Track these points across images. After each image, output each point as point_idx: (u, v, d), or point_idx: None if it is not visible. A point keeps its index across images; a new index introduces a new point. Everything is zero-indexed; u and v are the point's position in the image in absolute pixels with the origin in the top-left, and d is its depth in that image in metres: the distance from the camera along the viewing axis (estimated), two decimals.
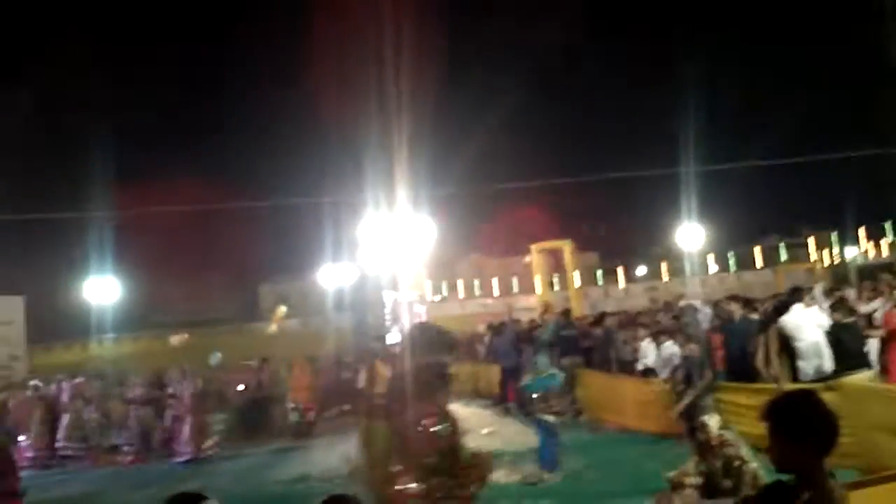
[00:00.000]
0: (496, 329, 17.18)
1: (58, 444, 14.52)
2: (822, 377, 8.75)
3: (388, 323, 24.26)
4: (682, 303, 15.71)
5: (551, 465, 9.13)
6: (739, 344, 10.54)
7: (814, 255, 43.74)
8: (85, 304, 29.53)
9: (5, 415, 14.23)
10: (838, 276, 26.28)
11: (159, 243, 48.85)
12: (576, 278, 28.00)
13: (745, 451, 6.84)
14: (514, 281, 46.40)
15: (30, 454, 14.38)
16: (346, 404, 16.43)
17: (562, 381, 10.05)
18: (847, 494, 2.61)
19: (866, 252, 41.96)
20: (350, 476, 6.03)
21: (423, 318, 22.48)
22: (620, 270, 50.38)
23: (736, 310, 11.22)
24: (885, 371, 9.74)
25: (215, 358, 21.28)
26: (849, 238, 42.45)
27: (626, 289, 45.98)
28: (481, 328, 23.73)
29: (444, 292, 47.42)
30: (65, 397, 15.11)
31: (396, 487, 3.15)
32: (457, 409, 8.27)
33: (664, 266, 47.27)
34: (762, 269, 44.75)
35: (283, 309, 50.40)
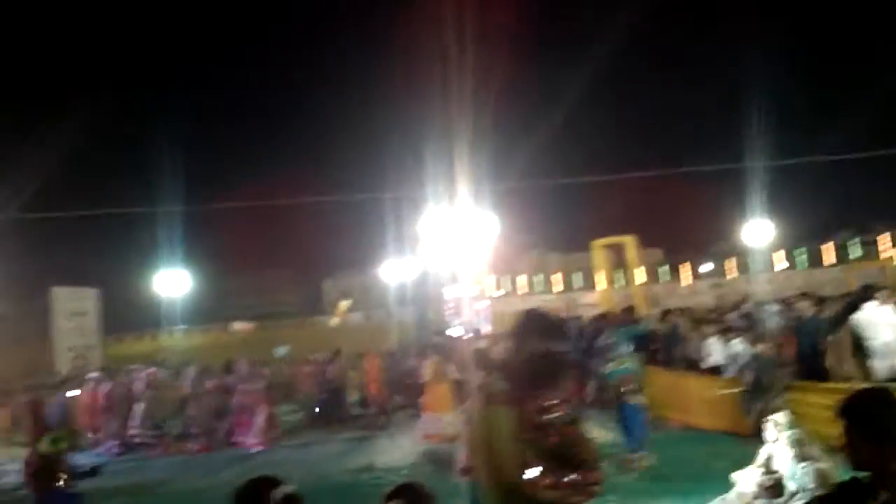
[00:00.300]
0: (509, 331, 17.04)
1: (131, 432, 15.00)
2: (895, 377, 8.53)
3: (449, 317, 24.37)
4: (749, 301, 15.40)
5: (642, 443, 9.20)
6: (810, 343, 10.32)
7: (886, 253, 42.22)
8: (156, 296, 30.40)
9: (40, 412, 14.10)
10: None
11: (228, 238, 50.02)
12: (639, 275, 27.61)
13: (815, 451, 6.71)
14: (576, 277, 46.05)
15: (103, 442, 14.93)
16: (409, 397, 16.63)
17: (639, 370, 10.14)
18: None
19: None
20: (466, 464, 6.14)
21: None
22: (685, 267, 49.50)
23: (806, 308, 10.97)
24: None
25: (282, 351, 21.76)
26: None
27: (690, 286, 45.13)
28: None
29: (506, 288, 47.33)
30: (138, 386, 15.60)
31: (525, 476, 3.10)
32: None
33: (730, 263, 46.29)
34: (832, 266, 43.41)
35: (345, 303, 51.02)
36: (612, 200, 40.36)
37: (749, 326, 12.55)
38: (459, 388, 11.77)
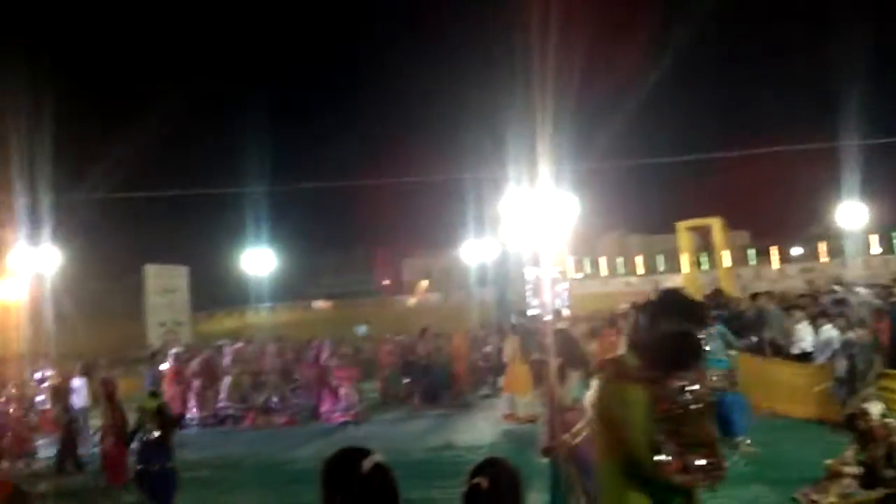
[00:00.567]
0: (641, 307, 16.80)
1: (219, 405, 15.52)
2: None
3: (529, 299, 24.30)
4: (842, 285, 14.83)
5: (743, 429, 9.08)
6: None
7: None
8: (243, 274, 31.26)
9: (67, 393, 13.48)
10: None
11: (312, 218, 51.00)
12: (725, 258, 26.90)
13: None
14: (660, 259, 45.20)
15: (193, 413, 15.48)
16: (492, 377, 16.75)
17: (730, 366, 9.76)
18: None
19: None
20: (548, 444, 6.15)
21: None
22: (774, 250, 47.93)
23: None
24: None
25: (362, 329, 22.13)
26: None
27: (780, 269, 43.74)
28: (624, 306, 23.31)
29: (587, 269, 46.85)
30: (226, 361, 16.10)
31: (657, 458, 3.06)
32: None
33: (822, 246, 44.62)
34: None
35: (424, 283, 51.39)
36: (698, 181, 39.32)
37: (841, 312, 12.09)
38: (540, 369, 11.73)
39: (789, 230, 52.19)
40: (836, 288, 14.55)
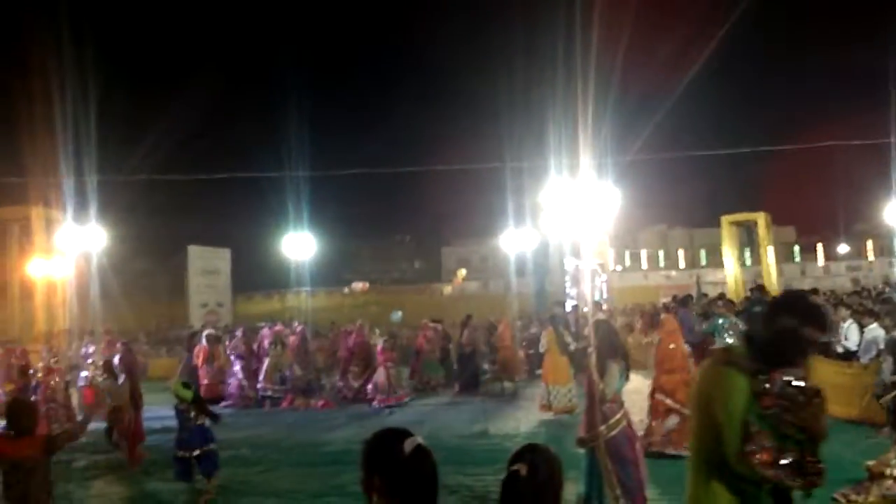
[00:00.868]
0: (682, 301, 16.67)
1: (258, 386, 15.73)
2: None
3: (568, 289, 24.19)
4: (888, 284, 14.51)
5: None
6: None
7: None
8: (283, 258, 31.55)
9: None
10: None
11: (353, 203, 51.27)
12: (769, 254, 26.51)
13: None
14: (702, 253, 44.65)
15: (233, 394, 15.72)
16: (531, 367, 16.78)
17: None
18: None
19: None
20: (584, 435, 6.15)
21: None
22: (820, 247, 47.05)
23: None
24: None
25: (396, 315, 22.26)
26: None
27: (825, 267, 42.92)
28: (664, 300, 23.10)
29: (627, 262, 46.47)
30: (266, 342, 16.30)
31: (749, 448, 2.99)
32: (636, 380, 8.07)
33: (869, 244, 43.68)
34: None
35: (462, 271, 51.40)
36: (743, 175, 38.74)
37: (888, 311, 11.84)
38: (579, 360, 11.71)
39: (836, 227, 51.15)
40: (883, 287, 14.24)
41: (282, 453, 10.61)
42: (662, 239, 52.46)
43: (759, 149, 27.13)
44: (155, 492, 8.72)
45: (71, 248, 23.35)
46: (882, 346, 10.09)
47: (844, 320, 11.75)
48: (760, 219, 25.85)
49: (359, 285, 48.22)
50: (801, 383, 3.03)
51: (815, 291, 15.38)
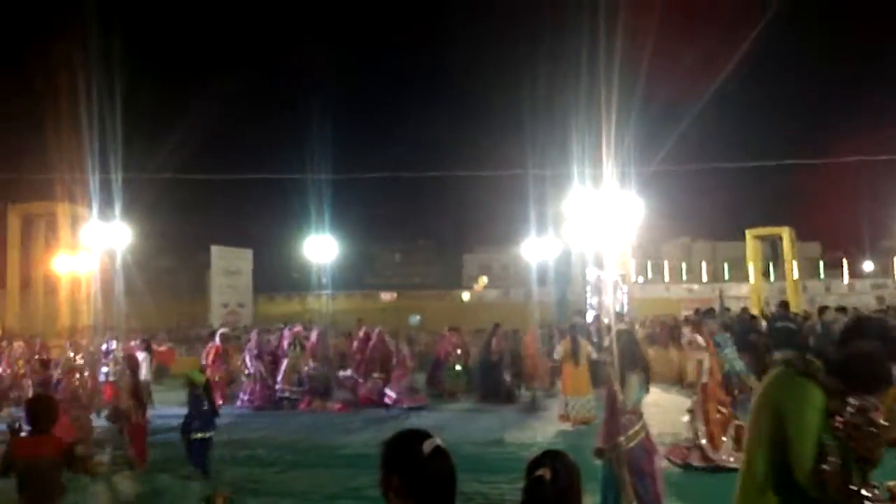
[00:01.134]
0: (704, 314, 16.52)
1: (276, 387, 15.76)
2: None
3: (589, 299, 24.07)
4: None
5: None
6: None
7: None
8: (305, 260, 31.68)
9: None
10: None
11: (374, 208, 51.40)
12: (794, 269, 26.25)
13: None
14: (725, 267, 44.30)
15: (247, 395, 15.75)
16: (551, 376, 16.72)
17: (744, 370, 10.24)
18: None
19: None
20: (601, 445, 6.10)
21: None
22: (845, 263, 46.48)
23: None
24: None
25: (415, 319, 22.25)
26: None
27: (850, 284, 42.37)
28: (686, 313, 22.91)
29: (649, 274, 46.20)
30: (285, 343, 16.33)
31: (823, 468, 2.79)
32: (656, 394, 7.97)
33: (895, 262, 43.12)
34: None
35: (484, 279, 51.36)
36: (768, 189, 38.39)
37: None
38: (598, 370, 11.64)
39: (861, 243, 50.53)
40: None
41: (298, 454, 10.61)
42: (685, 251, 52.11)
43: (785, 162, 26.90)
44: (170, 487, 8.77)
45: (96, 244, 23.57)
46: None
47: None
48: (785, 233, 25.62)
49: (387, 295, 48.35)
50: (872, 413, 2.89)
51: (842, 310, 15.24)
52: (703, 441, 8.91)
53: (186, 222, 37.95)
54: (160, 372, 19.44)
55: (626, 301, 24.41)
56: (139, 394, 10.35)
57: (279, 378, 15.79)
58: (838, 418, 2.83)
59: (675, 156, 24.71)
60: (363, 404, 15.13)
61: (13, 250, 26.53)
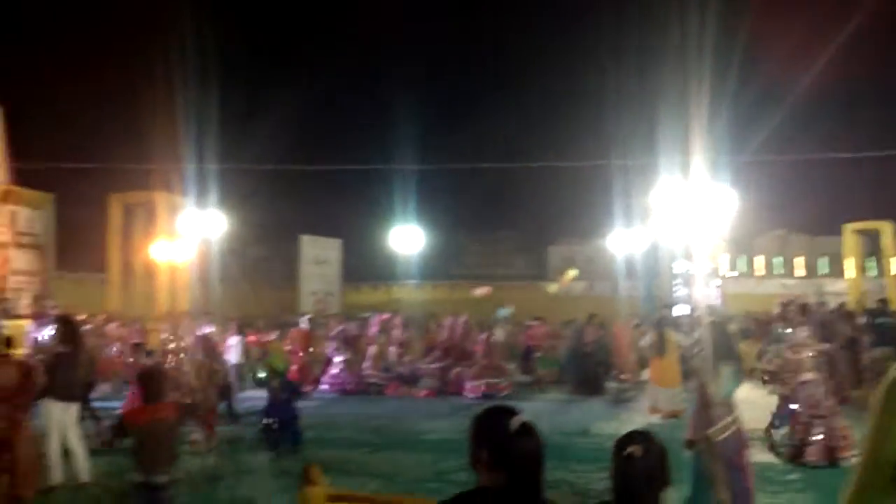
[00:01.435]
0: (800, 310, 16.00)
1: (363, 373, 16.08)
2: None
3: (677, 293, 23.59)
4: None
5: None
6: None
7: None
8: (391, 250, 32.11)
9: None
10: None
11: (460, 198, 51.56)
12: (894, 265, 25.09)
13: None
14: (822, 262, 42.68)
15: (337, 378, 16.10)
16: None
17: None
18: None
19: None
20: (692, 436, 6.05)
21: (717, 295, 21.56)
22: None
23: None
24: None
25: (504, 312, 22.23)
26: None
27: None
28: (778, 308, 22.21)
29: (741, 268, 44.89)
30: (372, 331, 16.64)
31: None
32: (748, 389, 7.81)
33: None
34: None
35: (573, 272, 50.86)
36: (869, 180, 36.60)
37: None
38: (686, 362, 11.45)
39: None
40: None
41: (384, 438, 10.82)
42: (780, 245, 50.32)
43: (888, 153, 25.67)
44: (261, 464, 9.08)
45: (192, 232, 24.47)
46: None
47: None
48: (885, 228, 24.52)
49: (482, 290, 48.57)
50: None
51: None
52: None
53: (278, 212, 38.92)
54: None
55: (716, 295, 23.84)
56: (212, 376, 10.72)
57: (367, 364, 16.10)
58: None
59: (770, 145, 23.87)
60: (448, 392, 15.27)
61: (114, 238, 27.75)
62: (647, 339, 13.44)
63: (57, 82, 32.37)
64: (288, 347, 16.42)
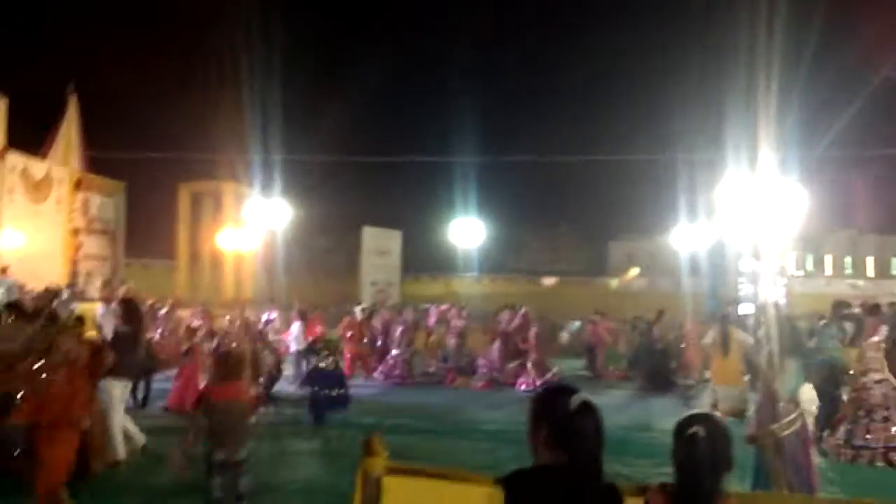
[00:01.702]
0: (870, 310, 15.52)
1: (423, 363, 16.19)
2: None
3: (742, 292, 23.09)
4: None
5: None
6: None
7: None
8: (451, 243, 32.22)
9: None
10: None
11: (519, 192, 51.48)
12: None
13: None
14: (894, 262, 41.36)
15: (394, 368, 16.22)
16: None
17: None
18: None
19: None
20: (753, 432, 5.99)
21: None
22: None
23: None
24: None
25: (574, 325, 22.09)
26: None
27: None
28: (857, 310, 21.56)
29: (809, 267, 43.79)
30: (431, 321, 16.75)
31: None
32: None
33: None
34: None
35: (636, 269, 50.27)
36: None
37: None
38: (750, 360, 11.24)
39: None
40: None
41: (441, 425, 10.91)
42: (851, 244, 48.89)
43: None
44: (328, 442, 9.28)
45: (258, 221, 24.97)
46: None
47: None
48: None
49: (550, 280, 48.47)
50: None
51: None
52: None
53: (341, 203, 39.46)
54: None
55: (782, 294, 23.27)
56: (256, 360, 10.96)
57: (424, 354, 16.20)
58: None
59: (843, 140, 23.13)
60: (505, 384, 15.27)
61: (183, 226, 28.55)
62: (709, 337, 13.19)
63: (128, 74, 33.36)
64: (340, 334, 16.68)
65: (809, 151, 20.97)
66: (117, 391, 7.94)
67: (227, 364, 5.63)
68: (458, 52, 60.60)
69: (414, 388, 15.05)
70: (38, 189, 19.71)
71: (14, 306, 8.10)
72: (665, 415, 12.24)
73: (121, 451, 7.83)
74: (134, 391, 10.49)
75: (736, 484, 5.94)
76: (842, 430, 8.97)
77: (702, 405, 12.93)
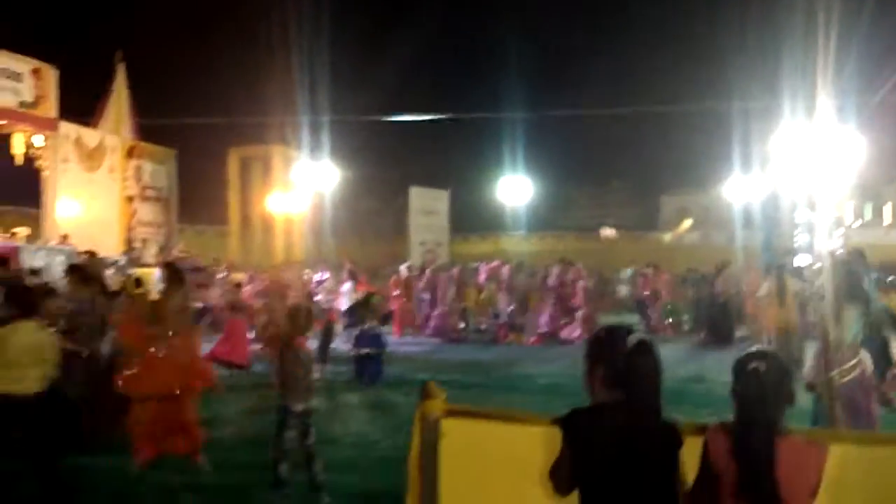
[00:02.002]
0: None
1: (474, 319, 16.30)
2: None
3: (798, 243, 22.63)
4: None
5: None
6: None
7: None
8: (499, 201, 32.09)
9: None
10: None
11: (568, 147, 50.88)
12: None
13: None
14: None
15: (445, 325, 16.33)
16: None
17: None
18: None
19: None
20: (812, 379, 5.91)
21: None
22: None
23: None
24: None
25: (628, 272, 21.98)
26: None
27: None
28: None
29: (868, 216, 42.61)
30: (481, 278, 16.78)
31: None
32: None
33: None
34: None
35: (688, 222, 49.45)
36: None
37: None
38: (803, 311, 11.09)
39: None
40: None
41: (494, 380, 11.00)
42: None
43: None
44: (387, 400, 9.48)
45: (306, 184, 25.17)
46: None
47: None
48: None
49: (608, 231, 48.17)
50: None
51: None
52: None
53: (389, 164, 39.52)
54: None
55: (840, 245, 22.73)
56: (296, 319, 11.04)
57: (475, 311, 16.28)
58: None
59: None
60: (556, 339, 15.28)
61: (234, 191, 28.98)
62: (764, 289, 12.99)
63: (175, 41, 33.66)
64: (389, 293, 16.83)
65: (869, 98, 20.23)
66: None
67: (300, 317, 5.91)
68: (506, 7, 59.65)
69: (466, 345, 15.17)
70: (92, 158, 20.09)
71: (76, 269, 8.31)
72: (722, 368, 12.15)
73: None
74: None
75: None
76: None
77: None
